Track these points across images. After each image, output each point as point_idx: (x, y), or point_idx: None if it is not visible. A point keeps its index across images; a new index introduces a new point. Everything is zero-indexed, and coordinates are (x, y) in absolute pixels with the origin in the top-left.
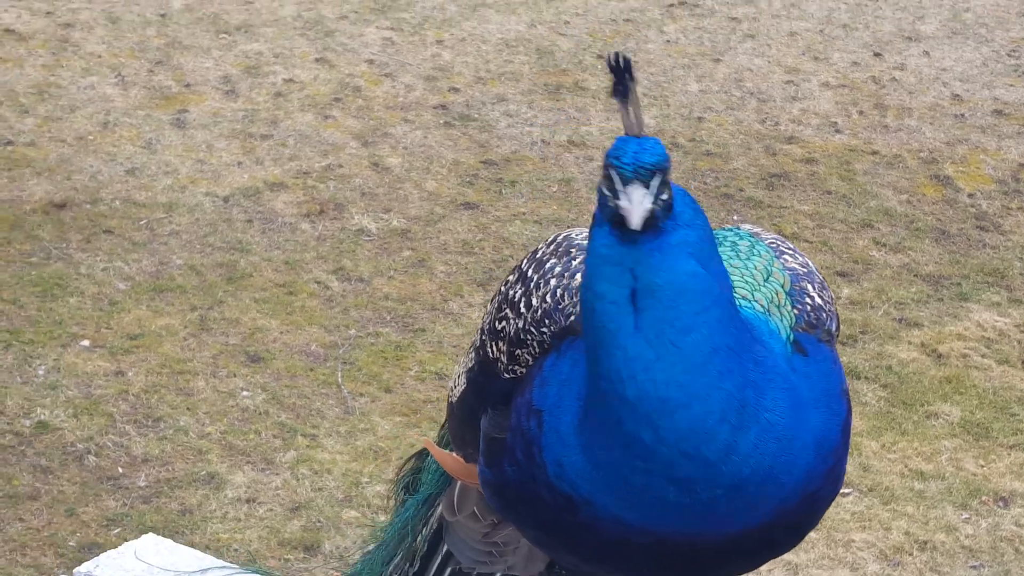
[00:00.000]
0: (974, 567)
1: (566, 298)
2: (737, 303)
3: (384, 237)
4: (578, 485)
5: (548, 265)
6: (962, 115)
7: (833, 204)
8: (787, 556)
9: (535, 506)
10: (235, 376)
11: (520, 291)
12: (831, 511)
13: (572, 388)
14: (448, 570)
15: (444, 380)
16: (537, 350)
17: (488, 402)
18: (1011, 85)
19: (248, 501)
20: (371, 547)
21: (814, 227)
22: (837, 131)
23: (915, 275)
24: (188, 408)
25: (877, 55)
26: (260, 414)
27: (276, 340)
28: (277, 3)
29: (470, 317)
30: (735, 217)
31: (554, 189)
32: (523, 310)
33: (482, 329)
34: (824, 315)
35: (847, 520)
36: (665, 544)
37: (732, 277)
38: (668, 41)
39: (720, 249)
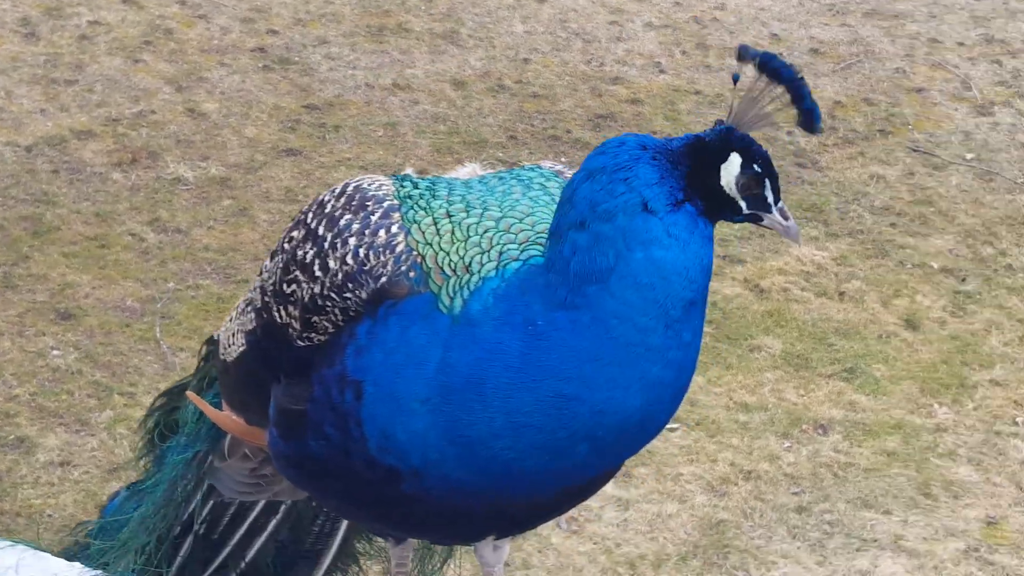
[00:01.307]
0: (795, 493)
1: (372, 258)
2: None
3: (202, 186)
4: (410, 456)
5: (343, 222)
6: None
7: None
8: (618, 492)
9: (345, 479)
10: (44, 335)
11: (311, 251)
12: (660, 446)
13: (409, 355)
14: (210, 503)
15: None
16: (341, 317)
17: (279, 371)
18: (826, 24)
19: (62, 464)
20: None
21: None
22: (661, 71)
23: None
24: None
25: None
26: (73, 373)
27: (88, 296)
28: None
29: None
30: (562, 159)
31: (379, 133)
32: (318, 273)
33: (262, 289)
34: None
35: (675, 454)
36: (500, 505)
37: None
38: None
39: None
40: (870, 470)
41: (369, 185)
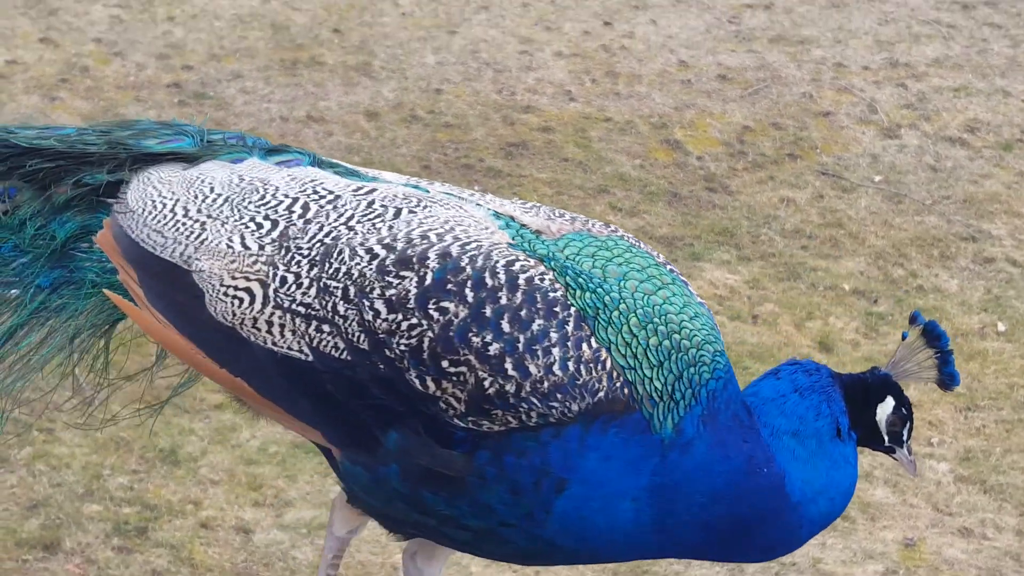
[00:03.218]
0: None
1: (583, 372)
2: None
3: None
4: (598, 538)
5: (537, 327)
6: (688, 80)
7: (570, 171)
8: None
9: (477, 532)
10: None
11: (496, 345)
12: None
13: (626, 464)
14: None
15: None
16: (536, 419)
17: (391, 420)
18: (733, 51)
19: None
20: None
21: (552, 194)
22: (572, 99)
23: (650, 237)
24: None
25: (607, 24)
26: None
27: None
28: None
29: None
30: (476, 187)
31: None
32: (512, 372)
33: (379, 340)
34: None
35: None
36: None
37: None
38: (403, 14)
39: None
40: None
41: (535, 274)
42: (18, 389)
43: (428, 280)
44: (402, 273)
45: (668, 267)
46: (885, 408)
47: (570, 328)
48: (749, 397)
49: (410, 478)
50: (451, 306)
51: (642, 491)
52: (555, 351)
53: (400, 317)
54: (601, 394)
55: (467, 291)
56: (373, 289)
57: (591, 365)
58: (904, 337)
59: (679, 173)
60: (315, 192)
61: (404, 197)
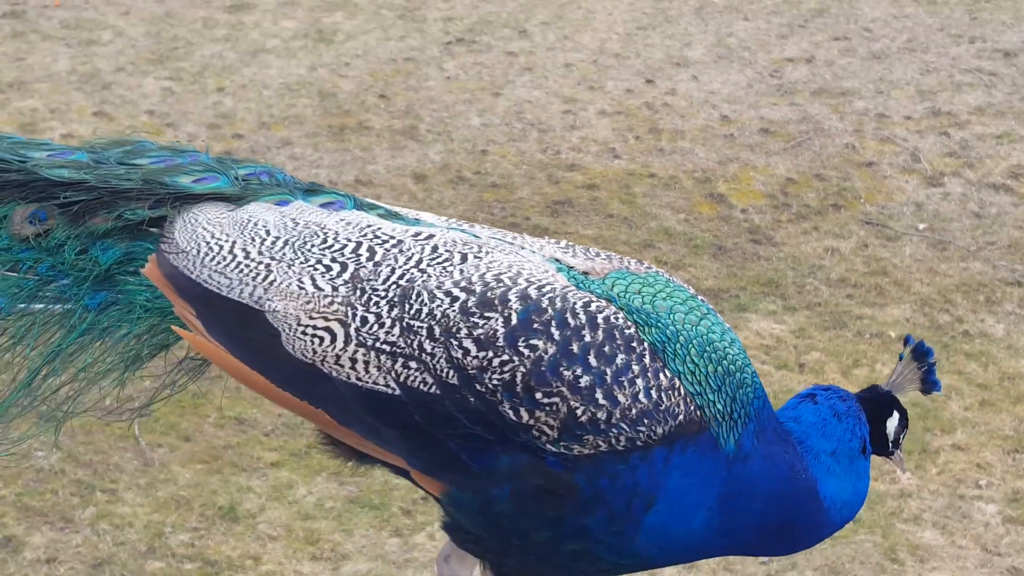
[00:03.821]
0: (763, 563)
1: (665, 399)
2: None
3: None
4: (676, 547)
5: (620, 361)
6: (731, 135)
7: (616, 227)
8: None
9: (573, 547)
10: (27, 437)
11: (586, 377)
12: None
13: (702, 479)
14: None
15: (244, 425)
16: (624, 443)
17: (483, 447)
18: (775, 104)
19: (48, 561)
20: None
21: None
22: (616, 157)
23: (697, 289)
24: None
25: (649, 82)
26: (56, 473)
27: (68, 399)
28: (50, 58)
29: None
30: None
31: None
32: (603, 401)
33: (470, 376)
34: None
35: None
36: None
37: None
38: (448, 78)
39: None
40: (837, 537)
41: (610, 314)
42: (77, 407)
43: (514, 320)
44: (487, 314)
45: (699, 298)
46: (893, 421)
47: (647, 361)
48: (790, 421)
49: (519, 499)
50: (540, 343)
51: (713, 500)
52: (639, 381)
53: (491, 354)
54: (680, 417)
55: (553, 330)
56: (460, 329)
57: (669, 392)
58: (901, 358)
59: (724, 226)
60: (376, 236)
61: (464, 243)
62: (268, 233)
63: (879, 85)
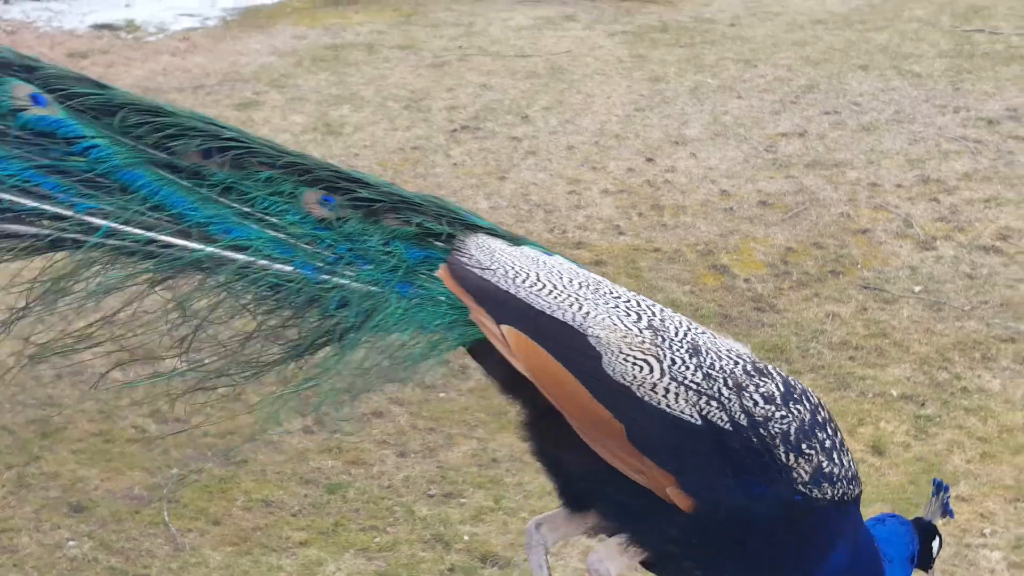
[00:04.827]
0: None
1: (856, 469)
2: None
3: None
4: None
5: (830, 429)
6: (731, 208)
7: None
8: None
9: (773, 563)
10: (59, 528)
11: (826, 439)
12: None
13: (855, 544)
14: None
15: (271, 507)
16: (842, 495)
17: (759, 481)
18: (771, 177)
19: None
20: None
21: None
22: (620, 233)
23: None
24: (15, 565)
25: (649, 160)
26: (89, 561)
27: (98, 488)
28: None
29: (290, 443)
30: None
31: None
32: (836, 459)
33: (760, 423)
34: None
35: None
36: None
37: None
38: (455, 164)
39: None
40: None
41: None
42: (382, 383)
43: (782, 387)
44: (763, 379)
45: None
46: (936, 543)
47: (840, 437)
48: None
49: (759, 523)
50: (801, 408)
51: (849, 553)
52: (846, 447)
53: (773, 409)
54: (859, 487)
55: (805, 400)
56: (747, 386)
57: (854, 465)
58: (933, 496)
59: (728, 296)
60: (637, 301)
61: (690, 319)
62: (562, 275)
63: (870, 156)
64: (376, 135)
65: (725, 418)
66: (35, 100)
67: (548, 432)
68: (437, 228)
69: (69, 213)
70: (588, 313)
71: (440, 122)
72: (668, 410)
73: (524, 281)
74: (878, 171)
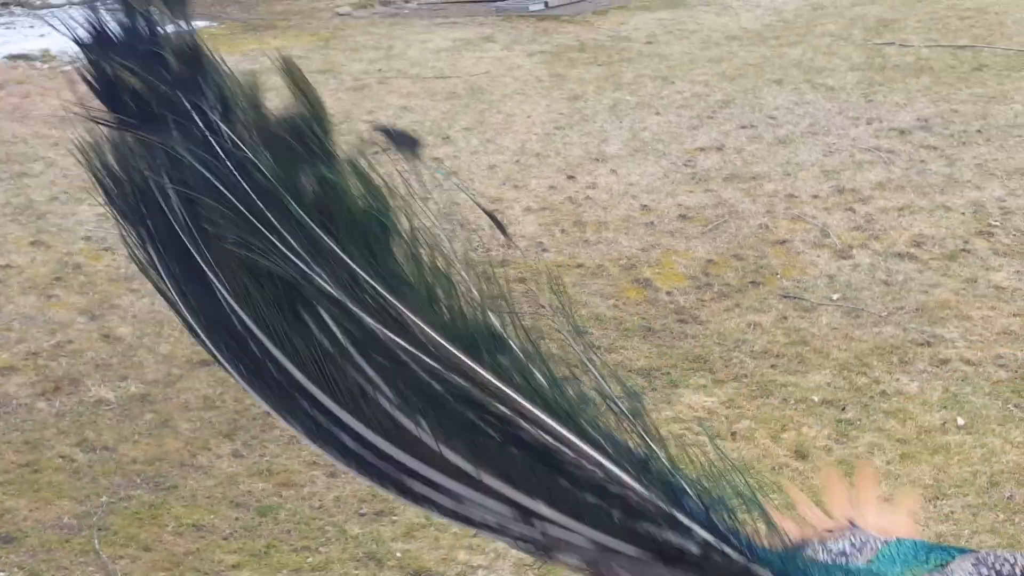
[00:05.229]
0: None
1: None
2: None
3: (124, 404)
4: None
5: None
6: (652, 223)
7: (548, 317)
8: None
9: None
10: None
11: None
12: None
13: None
14: None
15: (202, 531)
16: None
17: None
18: (691, 191)
19: None
20: None
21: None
22: (544, 250)
23: (629, 371)
24: None
25: (570, 178)
26: None
27: (27, 518)
28: None
29: (220, 468)
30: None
31: None
32: None
33: None
34: None
35: None
36: None
37: None
38: None
39: None
40: None
41: None
42: None
43: None
44: None
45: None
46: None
47: None
48: None
49: None
50: None
51: None
52: None
53: None
54: None
55: None
56: None
57: None
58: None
59: (651, 309)
60: None
61: None
62: None
63: (786, 168)
64: None
65: None
66: None
67: None
68: None
69: None
70: None
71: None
72: None
73: None
74: (795, 183)
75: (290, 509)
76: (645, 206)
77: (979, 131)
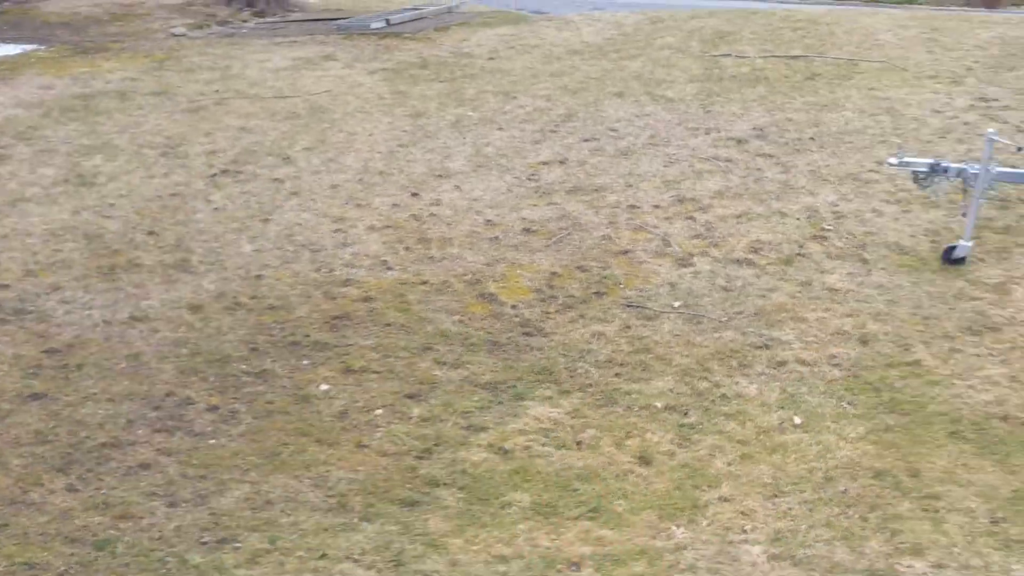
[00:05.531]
0: None
1: None
2: None
3: None
4: None
5: None
6: (496, 237)
7: (394, 335)
8: None
9: None
10: None
11: None
12: None
13: None
14: None
15: (35, 569)
16: None
17: None
18: (535, 205)
19: None
20: None
21: (380, 358)
22: (388, 268)
23: (475, 385)
24: None
25: (414, 195)
26: None
27: None
28: None
29: (54, 503)
30: (304, 362)
31: (123, 365)
32: None
33: None
34: None
35: None
36: None
37: None
38: (216, 208)
39: None
40: None
41: None
42: None
43: None
44: None
45: None
46: None
47: None
48: None
49: None
50: None
51: None
52: None
53: None
54: None
55: None
56: None
57: None
58: None
59: (496, 323)
60: None
61: None
62: None
63: (628, 179)
64: (132, 183)
65: None
66: None
67: None
68: None
69: None
70: None
71: (199, 167)
72: None
73: None
74: (636, 193)
75: (128, 541)
76: (489, 221)
77: (812, 138)
